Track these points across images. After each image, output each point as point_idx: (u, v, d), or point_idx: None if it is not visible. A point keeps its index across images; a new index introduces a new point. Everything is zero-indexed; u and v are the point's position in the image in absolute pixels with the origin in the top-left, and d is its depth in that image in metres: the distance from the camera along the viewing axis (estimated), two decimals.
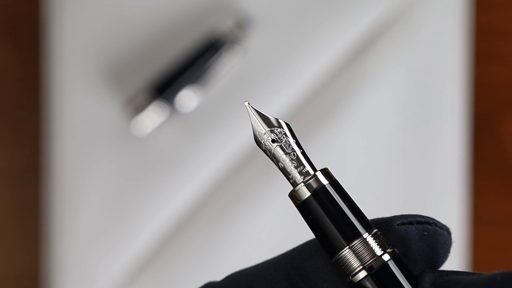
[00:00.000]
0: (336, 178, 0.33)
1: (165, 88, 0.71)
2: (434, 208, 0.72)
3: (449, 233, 0.33)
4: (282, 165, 0.33)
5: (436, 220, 0.33)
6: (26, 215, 0.81)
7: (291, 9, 0.72)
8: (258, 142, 0.33)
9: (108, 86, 0.72)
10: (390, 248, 0.32)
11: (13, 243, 0.81)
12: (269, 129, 0.33)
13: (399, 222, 0.33)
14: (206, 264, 0.72)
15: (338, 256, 0.32)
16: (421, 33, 0.72)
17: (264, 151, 0.33)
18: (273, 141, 0.33)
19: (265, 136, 0.33)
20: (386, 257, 0.31)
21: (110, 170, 0.72)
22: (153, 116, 0.71)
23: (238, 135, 0.72)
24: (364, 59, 0.72)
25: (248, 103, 0.34)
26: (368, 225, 0.32)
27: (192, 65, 0.71)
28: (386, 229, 0.32)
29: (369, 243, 0.32)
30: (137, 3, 0.72)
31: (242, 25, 0.71)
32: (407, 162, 0.72)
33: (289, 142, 0.33)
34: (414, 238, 0.32)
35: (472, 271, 0.33)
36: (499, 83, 0.77)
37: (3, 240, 0.81)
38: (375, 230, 0.32)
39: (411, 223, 0.33)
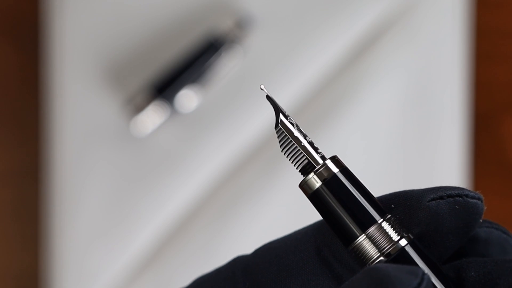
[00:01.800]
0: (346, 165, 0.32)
1: (164, 88, 0.71)
2: None
3: (481, 201, 0.32)
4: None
5: (467, 190, 0.32)
6: (26, 215, 0.81)
7: (291, 9, 0.72)
8: (281, 125, 0.33)
9: (108, 86, 0.72)
10: (406, 233, 0.31)
11: (12, 243, 0.81)
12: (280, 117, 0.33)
13: (429, 198, 0.32)
14: (206, 265, 0.72)
15: (354, 244, 0.31)
16: (421, 33, 0.72)
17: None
18: (285, 128, 0.33)
19: (283, 123, 0.33)
20: (403, 242, 0.31)
21: (110, 170, 0.72)
22: (153, 116, 0.70)
23: (238, 136, 0.72)
24: (364, 59, 0.72)
25: (264, 87, 0.33)
26: (382, 210, 0.31)
27: (191, 64, 0.71)
28: (415, 206, 0.32)
29: (385, 229, 0.31)
30: (137, 3, 0.72)
31: (242, 24, 0.71)
32: (407, 162, 0.72)
33: (296, 131, 0.33)
34: (445, 214, 0.31)
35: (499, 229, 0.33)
36: (499, 83, 0.77)
37: (3, 240, 0.81)
38: (389, 216, 0.31)
39: (441, 197, 0.32)
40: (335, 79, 0.72)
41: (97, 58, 0.72)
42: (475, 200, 0.32)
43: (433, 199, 0.32)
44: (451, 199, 0.31)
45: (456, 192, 0.32)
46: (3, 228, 0.81)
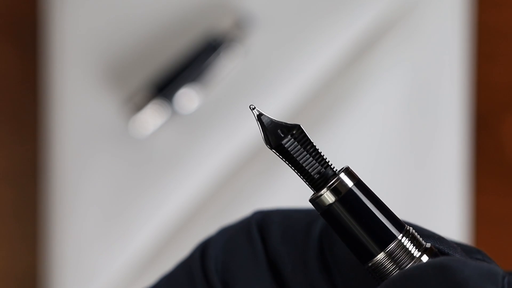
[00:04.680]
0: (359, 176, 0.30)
1: (164, 87, 0.70)
2: (435, 208, 0.72)
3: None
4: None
5: (460, 255, 0.29)
6: (26, 215, 0.80)
7: (292, 8, 0.72)
8: (270, 146, 0.30)
9: (108, 86, 0.72)
10: (427, 245, 0.29)
11: (12, 243, 0.81)
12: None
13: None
14: None
15: (373, 262, 0.29)
16: (422, 33, 0.72)
17: (278, 154, 0.30)
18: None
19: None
20: (424, 258, 0.29)
21: (110, 170, 0.72)
22: (152, 115, 0.70)
23: (238, 137, 0.72)
24: (365, 59, 0.72)
25: (254, 108, 0.30)
26: (400, 224, 0.29)
27: (190, 63, 0.71)
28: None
29: (405, 244, 0.29)
30: (136, 2, 0.72)
31: (241, 24, 0.71)
32: (407, 162, 0.72)
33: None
34: None
35: None
36: (500, 83, 0.77)
37: (3, 240, 0.81)
38: (409, 228, 0.29)
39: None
40: (336, 79, 0.72)
41: (96, 57, 0.72)
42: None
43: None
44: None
45: (447, 250, 0.29)
46: (3, 228, 0.81)
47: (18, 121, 0.81)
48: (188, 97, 0.71)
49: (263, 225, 0.34)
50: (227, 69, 0.71)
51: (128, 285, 0.73)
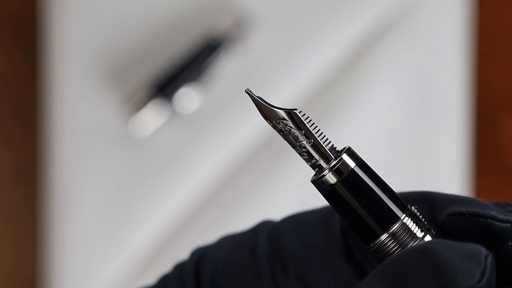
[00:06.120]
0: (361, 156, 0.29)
1: (164, 87, 0.70)
2: None
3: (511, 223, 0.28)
4: (300, 150, 0.29)
5: (495, 212, 0.28)
6: (26, 215, 0.80)
7: (293, 8, 0.72)
8: (273, 127, 0.30)
9: (108, 86, 0.72)
10: (429, 225, 0.29)
11: (12, 244, 0.81)
12: (278, 119, 0.29)
13: (451, 211, 0.29)
14: None
15: (376, 243, 0.28)
16: (422, 33, 0.72)
17: (282, 135, 0.29)
18: (286, 128, 0.29)
19: (276, 125, 0.29)
20: (427, 238, 0.28)
21: (110, 170, 0.72)
22: (152, 115, 0.70)
23: (238, 136, 0.72)
24: (365, 59, 0.72)
25: (250, 92, 0.30)
26: (403, 204, 0.29)
27: (190, 63, 0.71)
28: (437, 213, 0.29)
29: (408, 225, 0.28)
30: (136, 2, 0.72)
31: (241, 24, 0.71)
32: (407, 162, 0.72)
33: (304, 126, 0.29)
34: (459, 233, 0.29)
35: None
36: (499, 83, 0.77)
37: (3, 240, 0.81)
38: (412, 209, 0.29)
39: (462, 214, 0.29)
40: (335, 79, 0.72)
41: (97, 57, 0.72)
42: (502, 224, 0.29)
43: (454, 214, 0.29)
44: (473, 218, 0.29)
45: (481, 211, 0.29)
46: (3, 228, 0.81)
47: (18, 122, 0.81)
48: (188, 97, 0.71)
49: (274, 239, 0.33)
50: (227, 69, 0.71)
51: (128, 285, 0.73)
